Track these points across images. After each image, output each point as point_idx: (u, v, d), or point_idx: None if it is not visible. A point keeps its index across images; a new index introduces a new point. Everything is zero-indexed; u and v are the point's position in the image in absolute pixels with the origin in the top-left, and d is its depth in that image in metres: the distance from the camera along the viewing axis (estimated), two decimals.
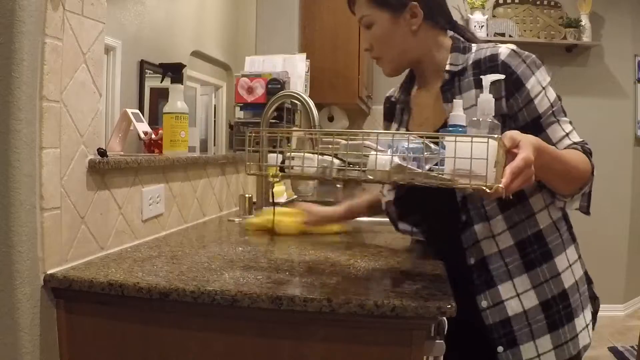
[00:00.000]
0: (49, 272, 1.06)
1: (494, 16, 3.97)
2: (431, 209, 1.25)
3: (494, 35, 3.84)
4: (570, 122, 1.15)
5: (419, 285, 1.02)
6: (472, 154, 0.85)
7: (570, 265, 1.20)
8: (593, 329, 1.25)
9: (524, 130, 1.07)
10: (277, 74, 2.30)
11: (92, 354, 1.06)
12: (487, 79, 1.04)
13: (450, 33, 1.25)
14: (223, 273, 1.09)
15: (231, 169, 2.13)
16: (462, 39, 1.24)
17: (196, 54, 2.74)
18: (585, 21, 3.89)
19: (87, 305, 1.07)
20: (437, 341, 1.00)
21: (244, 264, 1.19)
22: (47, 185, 1.05)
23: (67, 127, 1.11)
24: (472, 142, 0.85)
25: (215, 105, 4.35)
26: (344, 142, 0.98)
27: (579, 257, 1.24)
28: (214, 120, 4.33)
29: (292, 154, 1.02)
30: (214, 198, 1.95)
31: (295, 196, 2.50)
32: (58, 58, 1.07)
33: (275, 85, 2.26)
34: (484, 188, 0.85)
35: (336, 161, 0.98)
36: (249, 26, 3.24)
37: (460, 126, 1.00)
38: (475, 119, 0.99)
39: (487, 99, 1.01)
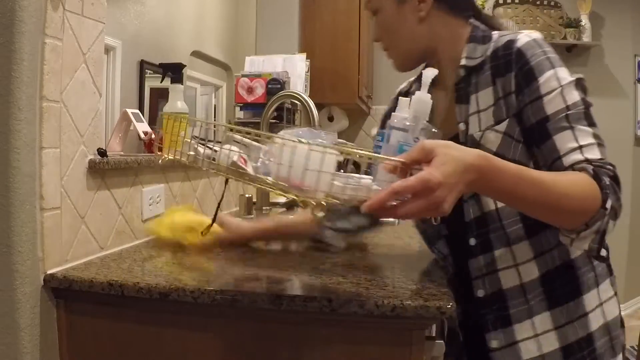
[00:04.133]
0: (49, 272, 1.06)
1: (493, 16, 3.97)
2: (448, 231, 1.10)
3: None
4: (596, 135, 0.93)
5: (419, 285, 1.02)
6: (299, 161, 0.77)
7: (601, 304, 1.02)
8: None
9: (529, 134, 0.96)
10: (277, 74, 2.30)
11: (92, 354, 1.06)
12: (427, 74, 0.91)
13: (472, 21, 1.07)
14: (223, 273, 1.09)
15: None
16: (482, 26, 1.06)
17: (196, 54, 2.73)
18: (585, 21, 3.89)
19: (87, 305, 1.07)
20: (437, 341, 1.00)
21: (244, 263, 1.19)
22: (47, 185, 1.05)
23: (67, 127, 1.11)
24: (283, 145, 0.79)
25: (215, 105, 4.35)
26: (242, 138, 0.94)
27: (615, 294, 1.04)
28: (214, 120, 4.33)
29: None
30: (213, 198, 1.95)
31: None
32: (58, 58, 1.07)
33: (275, 85, 2.26)
34: (300, 200, 0.80)
35: (208, 152, 0.94)
36: (249, 26, 3.23)
37: (397, 129, 0.88)
38: (409, 123, 0.87)
39: (420, 98, 0.89)
